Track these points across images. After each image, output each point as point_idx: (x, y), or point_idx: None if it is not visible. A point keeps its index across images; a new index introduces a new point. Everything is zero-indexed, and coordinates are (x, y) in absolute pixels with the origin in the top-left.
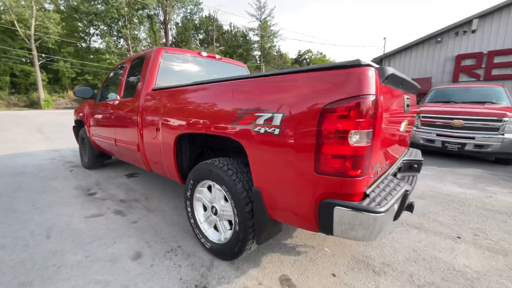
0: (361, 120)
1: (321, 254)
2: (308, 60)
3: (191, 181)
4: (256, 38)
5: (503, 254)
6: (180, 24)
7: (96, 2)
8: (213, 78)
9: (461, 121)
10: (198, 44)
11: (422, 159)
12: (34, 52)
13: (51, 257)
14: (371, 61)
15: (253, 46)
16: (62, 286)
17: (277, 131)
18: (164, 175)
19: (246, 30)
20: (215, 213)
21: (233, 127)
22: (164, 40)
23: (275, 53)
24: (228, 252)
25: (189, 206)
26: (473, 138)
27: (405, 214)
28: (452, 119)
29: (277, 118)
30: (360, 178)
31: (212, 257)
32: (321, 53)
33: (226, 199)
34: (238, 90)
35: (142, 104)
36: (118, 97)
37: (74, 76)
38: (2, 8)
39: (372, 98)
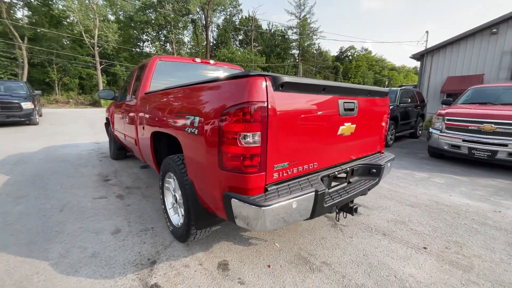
0: (249, 123)
1: (269, 248)
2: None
3: (161, 172)
4: (295, 37)
5: (464, 270)
6: (220, 26)
7: (147, 11)
8: None
9: (492, 125)
10: (237, 44)
11: (382, 164)
12: (97, 58)
13: (56, 225)
14: (410, 57)
15: (291, 44)
16: (55, 247)
17: (196, 132)
18: (150, 165)
19: (284, 29)
20: (176, 201)
21: (175, 127)
22: (205, 43)
23: (314, 51)
24: (180, 235)
25: (161, 193)
26: (505, 145)
27: (379, 219)
28: (482, 122)
29: (196, 121)
30: (254, 174)
31: (173, 239)
32: (365, 49)
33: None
34: (180, 96)
35: (138, 104)
36: (128, 98)
37: None
38: (75, 21)
39: (259, 104)
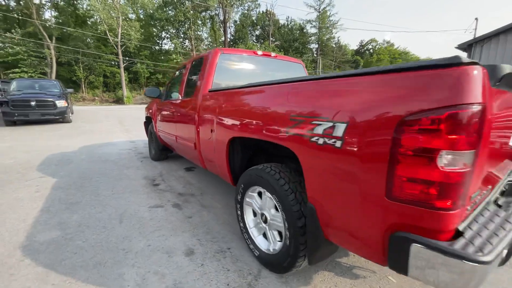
0: (459, 137)
1: (384, 283)
2: (371, 50)
3: (242, 185)
4: (314, 31)
5: None
6: (238, 22)
7: (167, 8)
8: (268, 76)
9: None
10: (254, 40)
11: None
12: (120, 56)
13: (121, 241)
14: (456, 47)
15: (309, 39)
16: (128, 272)
17: (338, 144)
18: (217, 174)
19: (303, 23)
20: (265, 221)
21: (286, 134)
22: (223, 39)
23: (334, 45)
24: (276, 264)
25: (239, 209)
26: None
27: None
28: None
29: (339, 128)
30: (452, 211)
31: (260, 266)
32: (387, 42)
33: (276, 209)
34: (295, 93)
35: (199, 104)
36: (180, 97)
37: (148, 75)
38: (98, 20)
39: (476, 108)
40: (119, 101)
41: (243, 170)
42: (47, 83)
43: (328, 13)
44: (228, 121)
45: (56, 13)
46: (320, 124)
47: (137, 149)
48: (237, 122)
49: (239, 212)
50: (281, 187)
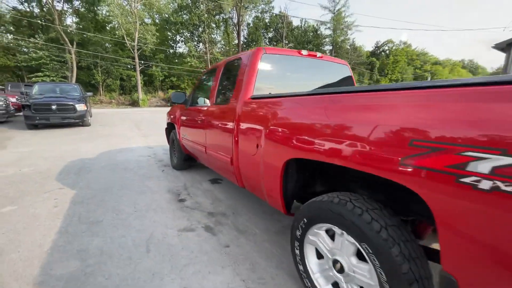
0: None
1: None
2: (387, 52)
3: (304, 220)
4: (328, 32)
5: None
6: (251, 25)
7: (182, 12)
8: (315, 79)
9: None
10: (267, 42)
11: None
12: (136, 60)
13: (150, 279)
14: (493, 47)
15: (324, 40)
16: None
17: None
18: (260, 198)
19: (317, 24)
20: (340, 271)
21: (401, 167)
22: (236, 41)
23: (348, 47)
24: None
25: (297, 247)
26: None
27: None
28: None
29: None
30: None
31: None
32: (404, 43)
33: (360, 257)
34: (420, 106)
35: (239, 112)
36: (210, 104)
37: (163, 78)
38: (116, 26)
39: None
40: (134, 103)
41: (297, 193)
42: (67, 87)
43: (342, 14)
44: (287, 137)
45: (77, 19)
46: (485, 159)
47: (156, 156)
48: (304, 140)
49: (297, 252)
50: (376, 234)
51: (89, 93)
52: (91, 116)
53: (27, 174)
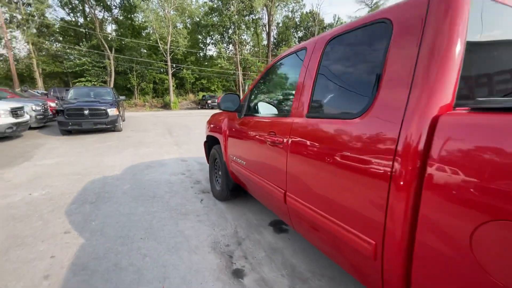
0: None
1: None
2: None
3: None
4: None
5: None
6: (281, 24)
7: (213, 14)
8: None
9: None
10: (297, 42)
11: None
12: (169, 63)
13: None
14: None
15: None
16: None
17: None
18: None
19: (352, 21)
20: None
21: None
22: (265, 42)
23: None
24: None
25: None
26: None
27: None
28: None
29: None
30: None
31: None
32: None
33: None
34: None
35: (418, 148)
36: (294, 114)
37: (193, 81)
38: (151, 32)
39: None
40: (166, 106)
41: None
42: (101, 91)
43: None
44: None
45: (116, 26)
46: None
47: (192, 173)
48: None
49: None
50: None
51: (122, 97)
52: (124, 120)
53: (34, 203)
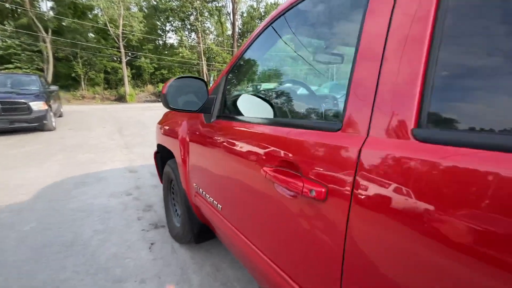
0: None
1: None
2: None
3: None
4: None
5: None
6: (245, 14)
7: None
8: None
9: None
10: None
11: None
12: (122, 50)
13: None
14: None
15: None
16: None
17: None
18: None
19: None
20: None
21: None
22: (230, 32)
23: None
24: None
25: None
26: None
27: None
28: None
29: None
30: None
31: None
32: None
33: None
34: None
35: None
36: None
37: (152, 71)
38: (100, 14)
39: None
40: (121, 99)
41: None
42: (23, 79)
43: None
44: None
45: (52, 4)
46: None
47: (142, 192)
48: None
49: None
50: None
51: (54, 87)
52: (60, 116)
53: None
